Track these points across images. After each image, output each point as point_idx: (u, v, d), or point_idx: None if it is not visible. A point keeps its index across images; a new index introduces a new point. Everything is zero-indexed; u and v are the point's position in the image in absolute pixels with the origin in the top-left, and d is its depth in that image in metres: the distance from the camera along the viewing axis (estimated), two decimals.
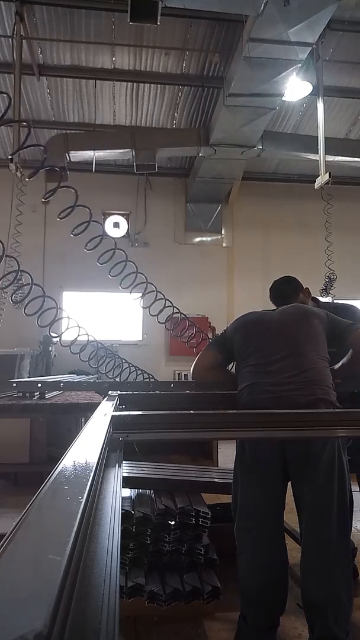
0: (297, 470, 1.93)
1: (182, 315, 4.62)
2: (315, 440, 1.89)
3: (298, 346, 2.12)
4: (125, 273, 3.84)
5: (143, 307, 4.13)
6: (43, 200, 2.98)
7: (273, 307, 2.61)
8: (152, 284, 4.00)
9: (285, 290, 2.57)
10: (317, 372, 2.05)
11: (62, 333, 3.84)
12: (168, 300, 4.17)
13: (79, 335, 3.94)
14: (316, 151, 6.49)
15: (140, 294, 4.01)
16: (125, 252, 3.83)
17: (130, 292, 3.96)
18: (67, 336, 3.92)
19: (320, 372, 2.06)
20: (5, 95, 2.36)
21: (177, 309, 4.34)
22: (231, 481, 2.14)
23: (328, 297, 7.32)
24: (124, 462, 1.28)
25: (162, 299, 4.11)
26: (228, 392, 2.26)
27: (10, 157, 2.75)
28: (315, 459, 1.89)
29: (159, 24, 4.69)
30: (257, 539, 1.95)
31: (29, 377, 6.59)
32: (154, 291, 4.04)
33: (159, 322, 4.26)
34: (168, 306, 4.21)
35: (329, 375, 2.10)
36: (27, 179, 3.15)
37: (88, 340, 4.18)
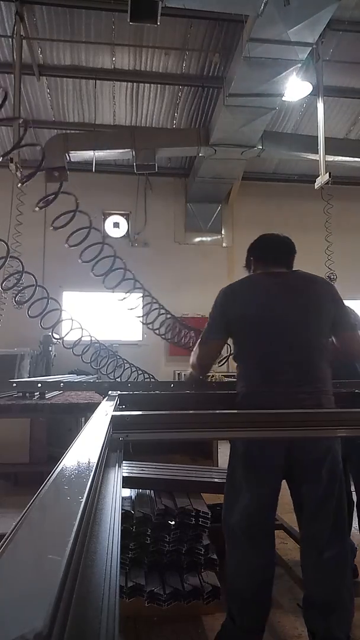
0: (299, 472, 1.93)
1: (175, 319, 4.59)
2: (319, 443, 1.88)
3: (304, 351, 2.00)
4: (123, 278, 3.76)
5: (140, 320, 4.10)
6: (36, 209, 2.77)
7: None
8: (147, 291, 3.95)
9: (284, 254, 2.23)
10: (323, 381, 1.98)
11: (66, 335, 3.84)
12: (162, 307, 4.14)
13: (82, 337, 3.95)
14: (316, 151, 6.49)
15: (136, 297, 3.97)
16: (123, 260, 3.67)
17: (123, 299, 3.89)
18: (69, 337, 3.92)
19: (325, 379, 2.00)
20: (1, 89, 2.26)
21: (170, 313, 4.32)
22: None
23: None
24: (124, 462, 1.28)
25: (158, 308, 4.07)
26: (228, 392, 2.25)
27: (2, 156, 2.64)
28: (318, 462, 1.88)
29: (159, 24, 4.69)
30: (251, 539, 1.94)
31: (29, 377, 6.59)
32: (148, 295, 4.01)
33: (156, 333, 4.24)
34: (162, 313, 4.18)
35: (331, 380, 2.04)
36: (19, 185, 2.97)
37: (91, 341, 4.18)
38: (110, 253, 3.52)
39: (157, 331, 4.40)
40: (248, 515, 1.95)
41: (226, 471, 2.09)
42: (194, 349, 2.30)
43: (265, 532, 1.97)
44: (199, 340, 2.28)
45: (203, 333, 2.25)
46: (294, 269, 2.22)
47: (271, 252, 2.24)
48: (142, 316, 4.20)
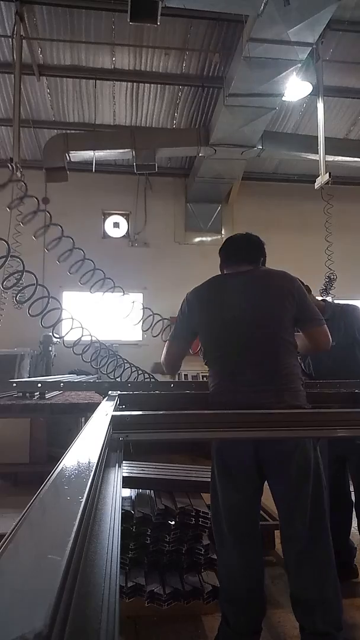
0: (271, 471, 1.92)
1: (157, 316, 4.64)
2: (287, 441, 1.87)
3: (265, 349, 2.00)
4: (93, 274, 3.88)
5: (138, 325, 4.17)
6: None
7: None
8: (120, 287, 4.02)
9: (247, 252, 2.25)
10: (287, 377, 1.97)
11: (66, 334, 3.84)
12: (150, 309, 4.17)
13: (82, 336, 3.95)
14: (316, 151, 6.49)
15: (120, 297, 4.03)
16: (93, 261, 3.85)
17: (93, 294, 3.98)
18: (70, 337, 3.92)
19: (290, 375, 1.99)
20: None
21: (154, 312, 4.35)
22: None
23: (328, 297, 7.33)
24: (124, 462, 1.29)
25: (152, 313, 4.12)
26: None
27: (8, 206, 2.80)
28: (286, 459, 1.87)
29: (159, 24, 4.69)
30: (232, 540, 1.94)
31: (29, 377, 6.59)
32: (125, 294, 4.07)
33: (153, 336, 4.29)
34: (152, 315, 4.21)
35: (298, 377, 2.04)
36: (9, 207, 3.25)
37: (91, 341, 4.18)
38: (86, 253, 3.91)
39: (151, 332, 4.44)
40: (226, 517, 1.95)
41: None
42: (164, 348, 2.37)
43: (245, 532, 1.95)
44: (167, 341, 2.37)
45: (170, 334, 2.34)
46: (261, 267, 2.23)
47: (234, 252, 2.29)
48: (142, 322, 4.26)
